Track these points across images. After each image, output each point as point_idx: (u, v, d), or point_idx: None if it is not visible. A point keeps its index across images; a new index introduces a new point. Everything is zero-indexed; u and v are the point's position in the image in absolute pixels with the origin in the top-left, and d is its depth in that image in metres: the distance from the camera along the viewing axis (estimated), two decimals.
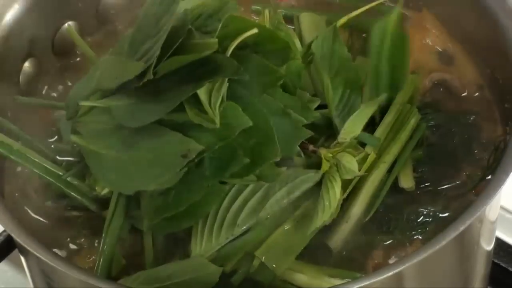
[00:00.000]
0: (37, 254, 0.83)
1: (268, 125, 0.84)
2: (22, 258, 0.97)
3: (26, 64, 1.07)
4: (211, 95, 0.83)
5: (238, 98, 0.84)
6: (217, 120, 0.82)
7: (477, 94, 1.02)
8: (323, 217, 0.87)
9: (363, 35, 1.08)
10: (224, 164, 0.84)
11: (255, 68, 0.85)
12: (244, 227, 0.87)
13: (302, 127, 0.87)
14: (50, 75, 1.10)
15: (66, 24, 1.10)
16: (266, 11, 0.97)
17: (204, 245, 0.87)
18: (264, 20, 0.97)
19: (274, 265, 0.87)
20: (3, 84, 1.03)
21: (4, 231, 1.13)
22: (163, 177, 0.83)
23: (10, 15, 1.04)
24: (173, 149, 0.83)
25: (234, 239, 0.87)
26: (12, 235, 0.86)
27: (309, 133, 0.87)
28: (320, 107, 0.93)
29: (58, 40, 1.10)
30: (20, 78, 1.06)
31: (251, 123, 0.82)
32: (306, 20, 1.06)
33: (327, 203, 0.87)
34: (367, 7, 1.00)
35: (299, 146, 0.89)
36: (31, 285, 1.00)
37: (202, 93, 0.83)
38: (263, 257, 0.87)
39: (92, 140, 0.89)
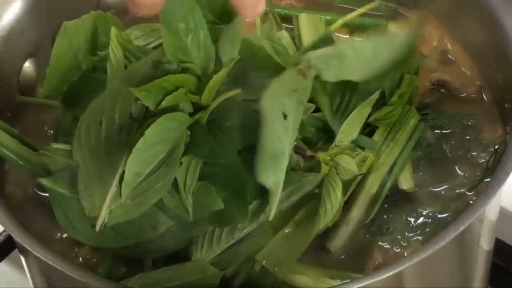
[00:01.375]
0: (37, 254, 0.83)
1: (242, 182, 0.83)
2: (22, 258, 0.97)
3: (26, 64, 1.07)
4: (187, 176, 0.83)
5: (217, 147, 0.83)
6: (191, 213, 0.82)
7: (477, 94, 1.02)
8: (325, 220, 0.87)
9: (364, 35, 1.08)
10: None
11: (237, 117, 0.84)
12: (245, 231, 0.87)
13: None
14: None
15: None
16: (258, 19, 0.96)
17: (204, 250, 0.87)
18: (256, 29, 0.95)
19: (275, 269, 0.87)
20: (3, 84, 1.03)
21: (4, 231, 1.13)
22: (130, 242, 0.85)
23: (10, 15, 1.04)
24: (144, 218, 0.84)
25: (235, 244, 0.87)
26: (12, 235, 0.86)
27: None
28: (318, 110, 0.92)
29: None
30: (20, 78, 1.06)
31: (222, 206, 0.82)
32: (305, 20, 1.06)
33: (329, 206, 0.87)
34: (363, 9, 0.99)
35: (296, 151, 0.89)
36: (31, 285, 0.99)
37: (179, 173, 0.83)
38: (264, 261, 0.87)
39: (59, 181, 0.88)
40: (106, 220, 0.83)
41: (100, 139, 0.85)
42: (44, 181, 0.88)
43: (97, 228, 0.83)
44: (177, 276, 0.85)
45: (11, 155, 0.92)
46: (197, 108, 0.84)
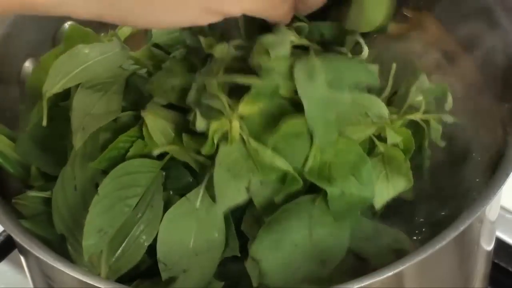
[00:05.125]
0: (37, 254, 0.83)
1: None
2: (22, 258, 0.97)
3: (26, 64, 1.07)
4: None
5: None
6: None
7: (477, 94, 1.02)
8: None
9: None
10: None
11: None
12: None
13: None
14: None
15: (66, 24, 1.10)
16: None
17: None
18: None
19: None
20: (3, 84, 1.03)
21: (4, 231, 1.13)
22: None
23: (10, 15, 1.04)
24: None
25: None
26: (12, 235, 0.86)
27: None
28: None
29: (58, 40, 1.09)
30: (20, 78, 1.06)
31: None
32: None
33: None
34: None
35: None
36: (31, 285, 0.99)
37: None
38: None
39: (39, 225, 0.89)
40: (109, 276, 0.84)
41: (79, 203, 0.85)
42: (25, 224, 0.89)
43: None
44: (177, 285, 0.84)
45: (8, 162, 0.93)
46: None
